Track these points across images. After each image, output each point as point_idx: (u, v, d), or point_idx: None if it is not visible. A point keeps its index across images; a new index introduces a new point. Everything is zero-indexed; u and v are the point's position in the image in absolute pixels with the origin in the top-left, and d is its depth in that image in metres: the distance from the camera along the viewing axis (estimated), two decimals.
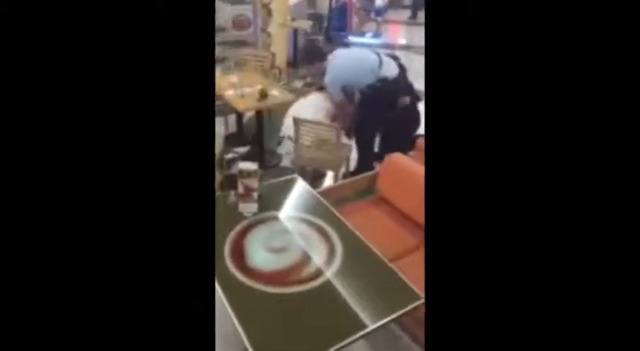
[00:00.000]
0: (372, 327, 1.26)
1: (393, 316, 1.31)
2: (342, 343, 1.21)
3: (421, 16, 7.64)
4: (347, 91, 2.74)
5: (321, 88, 3.50)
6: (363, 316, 1.30)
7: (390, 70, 2.75)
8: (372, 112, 2.74)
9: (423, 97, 3.23)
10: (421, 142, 2.35)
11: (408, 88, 2.86)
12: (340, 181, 2.35)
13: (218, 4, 4.31)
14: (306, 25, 5.72)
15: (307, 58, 3.01)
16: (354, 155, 2.95)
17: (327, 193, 2.13)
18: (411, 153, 2.33)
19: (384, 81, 2.69)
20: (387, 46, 6.19)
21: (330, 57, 2.81)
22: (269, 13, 4.50)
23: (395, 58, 2.90)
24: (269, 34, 4.56)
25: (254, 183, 1.66)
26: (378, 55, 2.81)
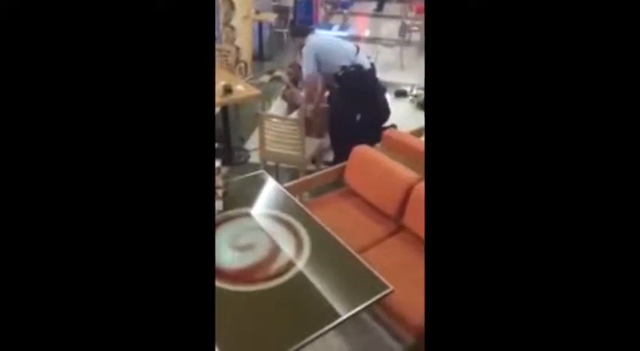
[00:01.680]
0: (345, 316, 1.27)
1: (364, 305, 1.32)
2: (317, 333, 1.20)
3: (387, 8, 7.69)
4: (320, 65, 2.80)
5: (294, 83, 3.48)
6: (335, 306, 1.30)
7: (365, 61, 2.86)
8: (347, 100, 2.79)
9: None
10: (387, 134, 2.37)
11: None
12: (308, 176, 2.33)
13: None
14: (270, 17, 5.64)
15: (295, 33, 3.13)
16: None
17: (295, 188, 2.12)
18: (377, 145, 2.35)
19: (358, 68, 2.77)
20: (353, 38, 6.20)
21: (311, 35, 2.92)
22: (232, 6, 4.41)
23: (367, 56, 3.04)
24: (232, 28, 4.46)
25: (217, 180, 1.62)
26: (357, 46, 2.93)
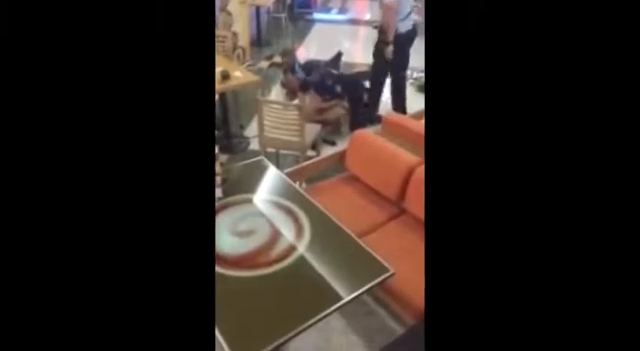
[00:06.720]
0: (346, 299, 1.28)
1: (365, 288, 1.33)
2: (319, 316, 1.22)
3: None
4: None
5: (290, 70, 3.43)
6: (337, 288, 1.31)
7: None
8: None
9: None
10: (386, 117, 2.35)
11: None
12: (308, 161, 2.32)
13: None
14: (268, 2, 5.55)
15: None
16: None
17: (295, 174, 2.11)
18: (377, 128, 2.33)
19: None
20: (352, 22, 6.11)
21: None
22: None
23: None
24: (229, 13, 4.40)
25: (216, 167, 1.62)
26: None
